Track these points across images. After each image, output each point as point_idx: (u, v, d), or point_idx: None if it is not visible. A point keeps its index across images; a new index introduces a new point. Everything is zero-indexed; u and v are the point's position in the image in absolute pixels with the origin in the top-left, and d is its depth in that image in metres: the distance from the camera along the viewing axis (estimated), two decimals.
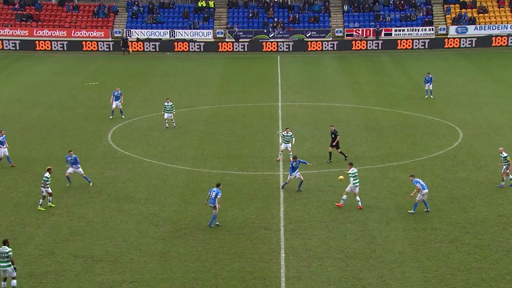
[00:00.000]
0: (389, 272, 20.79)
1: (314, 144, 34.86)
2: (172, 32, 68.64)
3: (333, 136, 31.51)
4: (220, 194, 24.09)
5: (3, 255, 19.20)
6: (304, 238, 23.24)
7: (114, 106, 38.79)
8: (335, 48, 66.59)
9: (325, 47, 66.66)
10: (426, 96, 44.66)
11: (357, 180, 25.73)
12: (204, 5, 72.22)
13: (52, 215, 24.85)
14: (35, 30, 67.64)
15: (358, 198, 25.74)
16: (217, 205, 23.99)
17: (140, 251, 22.11)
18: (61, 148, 33.05)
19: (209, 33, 69.19)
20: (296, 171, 27.37)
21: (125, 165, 30.84)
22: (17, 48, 65.37)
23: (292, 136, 31.45)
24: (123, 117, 39.01)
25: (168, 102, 37.17)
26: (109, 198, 26.71)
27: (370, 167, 30.60)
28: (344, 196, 25.85)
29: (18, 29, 67.64)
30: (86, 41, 66.22)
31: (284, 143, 31.42)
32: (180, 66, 59.54)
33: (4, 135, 30.59)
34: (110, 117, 38.70)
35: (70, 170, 27.78)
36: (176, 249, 22.34)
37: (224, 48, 66.97)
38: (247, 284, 20.24)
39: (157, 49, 66.57)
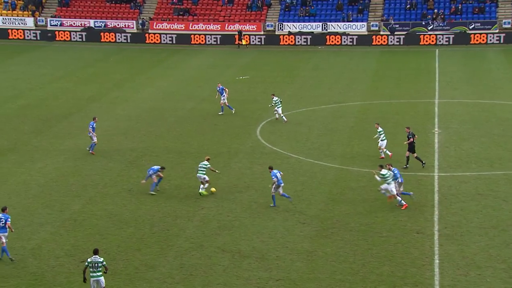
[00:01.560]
0: None
1: (474, 144, 33.30)
2: (324, 25, 68.72)
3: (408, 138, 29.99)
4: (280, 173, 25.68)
5: (96, 265, 18.86)
6: (461, 245, 22.28)
7: None
8: (501, 41, 63.10)
9: (490, 40, 63.37)
10: None
11: (390, 180, 25.19)
12: None
13: (202, 208, 25.92)
14: (191, 24, 70.85)
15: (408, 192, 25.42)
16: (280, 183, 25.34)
17: (287, 249, 22.39)
18: (211, 142, 34.36)
19: (363, 25, 68.39)
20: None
21: (273, 161, 31.33)
22: (174, 42, 68.75)
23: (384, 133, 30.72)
24: None
25: (273, 97, 38.13)
26: (256, 193, 27.33)
27: None
28: (397, 197, 25.26)
29: (175, 23, 71.18)
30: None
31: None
32: (331, 60, 59.50)
33: (95, 121, 32.59)
34: None
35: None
36: (323, 248, 22.37)
37: (378, 42, 65.91)
38: None
39: (309, 43, 67.00)
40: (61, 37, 69.70)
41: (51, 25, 71.83)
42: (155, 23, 71.29)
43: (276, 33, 69.25)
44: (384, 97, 44.40)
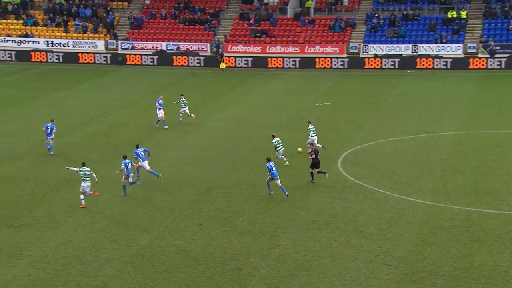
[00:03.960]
0: None
1: None
2: (414, 47, 68.08)
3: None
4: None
5: None
6: None
7: None
8: None
9: None
10: None
11: (88, 179, 29.84)
12: (454, 15, 70.53)
13: (277, 246, 25.95)
14: (268, 46, 71.72)
15: (82, 196, 29.97)
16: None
17: None
18: (288, 174, 34.38)
19: (459, 47, 67.34)
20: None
21: (355, 196, 31.15)
22: (249, 65, 69.75)
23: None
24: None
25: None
26: (337, 231, 27.15)
27: None
28: (81, 196, 29.81)
29: (252, 46, 72.22)
30: (319, 57, 68.51)
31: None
32: (422, 85, 58.76)
33: (54, 124, 38.14)
34: None
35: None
36: None
37: (476, 65, 64.69)
38: None
39: (397, 66, 66.49)
40: (132, 61, 72.01)
41: (122, 48, 74.42)
42: (230, 45, 72.59)
43: (361, 55, 69.15)
44: (483, 126, 43.38)
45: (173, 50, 73.20)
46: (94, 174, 30.53)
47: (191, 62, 70.96)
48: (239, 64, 69.97)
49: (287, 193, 30.78)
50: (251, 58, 69.99)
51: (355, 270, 23.72)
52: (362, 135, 42.08)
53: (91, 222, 28.50)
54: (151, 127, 45.20)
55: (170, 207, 30.18)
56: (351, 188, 32.31)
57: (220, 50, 71.53)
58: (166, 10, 78.54)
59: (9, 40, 76.21)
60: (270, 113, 48.92)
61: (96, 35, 76.45)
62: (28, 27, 77.65)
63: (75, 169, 30.87)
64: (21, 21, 78.62)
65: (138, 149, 33.36)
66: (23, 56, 73.81)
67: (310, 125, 37.20)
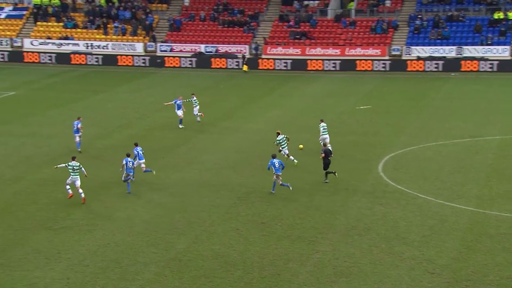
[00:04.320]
0: None
1: None
2: (459, 49, 67.24)
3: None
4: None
5: None
6: None
7: None
8: None
9: None
10: None
11: (77, 173, 30.61)
12: (501, 16, 69.47)
13: (316, 251, 25.83)
14: (307, 48, 71.58)
15: (80, 190, 30.72)
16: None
17: None
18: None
19: (506, 49, 66.34)
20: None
21: (397, 201, 30.86)
22: (288, 67, 69.70)
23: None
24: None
25: (193, 97, 46.73)
26: (378, 237, 26.92)
27: None
28: (67, 187, 30.74)
29: (291, 48, 72.17)
30: (360, 60, 68.13)
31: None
32: (466, 88, 58.04)
33: (80, 121, 39.54)
34: None
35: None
36: None
37: None
38: None
39: (440, 69, 65.74)
40: (171, 63, 72.54)
41: (160, 51, 75.02)
42: (269, 47, 72.64)
43: (403, 57, 68.57)
44: None
45: (211, 52, 73.54)
46: (83, 169, 31.20)
47: (230, 65, 71.18)
48: (278, 66, 69.95)
49: (291, 188, 31.80)
50: (291, 60, 69.93)
51: (397, 277, 23.48)
52: (404, 139, 41.69)
53: (129, 226, 28.74)
54: (189, 130, 45.44)
55: (207, 211, 30.27)
56: (392, 193, 32.02)
57: (242, 53, 71.66)
58: (205, 12, 78.97)
59: (50, 43, 77.52)
60: (309, 116, 48.73)
61: (135, 37, 77.22)
62: (68, 30, 78.88)
63: (63, 165, 31.60)
64: (61, 24, 79.88)
65: (138, 148, 34.40)
66: (63, 58, 74.96)
67: (322, 123, 38.03)
